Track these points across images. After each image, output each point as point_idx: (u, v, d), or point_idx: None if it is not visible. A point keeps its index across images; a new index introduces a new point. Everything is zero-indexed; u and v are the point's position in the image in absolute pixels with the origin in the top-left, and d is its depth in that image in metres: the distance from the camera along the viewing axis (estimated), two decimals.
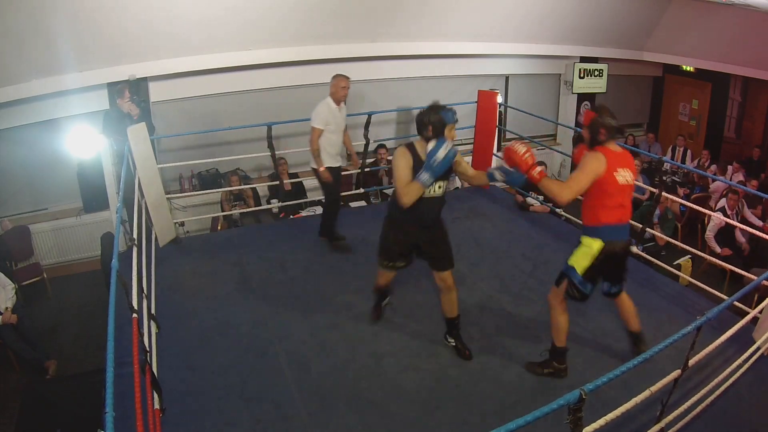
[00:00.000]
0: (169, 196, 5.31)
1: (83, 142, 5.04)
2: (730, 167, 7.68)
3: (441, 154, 2.86)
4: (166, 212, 4.94)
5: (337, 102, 4.44)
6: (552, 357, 3.16)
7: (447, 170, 2.99)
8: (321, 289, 4.14)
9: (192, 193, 6.14)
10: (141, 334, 2.60)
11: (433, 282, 4.05)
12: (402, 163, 2.97)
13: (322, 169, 4.45)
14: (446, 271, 3.24)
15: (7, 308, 4.58)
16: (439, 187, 3.06)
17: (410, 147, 3.02)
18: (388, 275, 3.44)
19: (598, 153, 2.82)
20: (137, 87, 5.70)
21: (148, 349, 2.84)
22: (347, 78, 4.44)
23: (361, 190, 5.82)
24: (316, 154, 4.43)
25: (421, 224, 3.14)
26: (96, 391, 3.51)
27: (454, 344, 3.39)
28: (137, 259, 3.16)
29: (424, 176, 2.89)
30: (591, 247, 2.87)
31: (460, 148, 3.99)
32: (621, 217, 2.90)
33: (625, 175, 2.84)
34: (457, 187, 6.48)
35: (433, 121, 2.92)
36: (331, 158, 4.52)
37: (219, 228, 6.00)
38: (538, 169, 2.81)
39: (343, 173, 4.97)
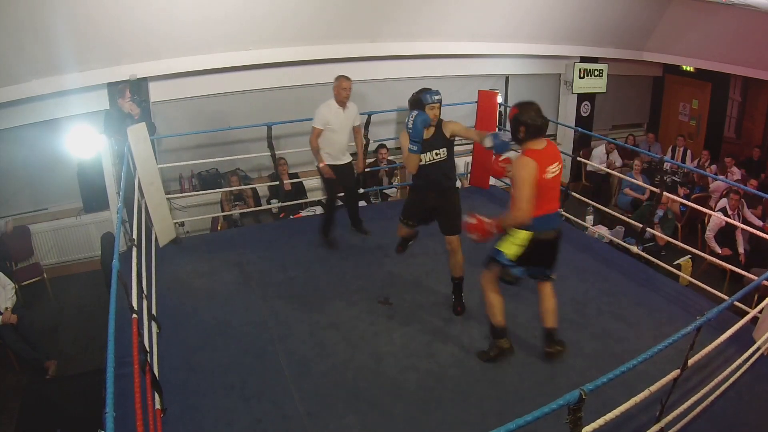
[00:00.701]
0: (169, 196, 5.32)
1: (83, 142, 5.03)
2: (727, 160, 7.63)
3: (410, 122, 3.36)
4: (166, 212, 4.95)
5: (340, 103, 4.48)
6: (494, 337, 3.25)
7: (439, 138, 3.47)
8: (321, 289, 4.14)
9: (192, 193, 6.13)
10: (141, 335, 2.60)
11: (433, 282, 4.11)
12: (403, 141, 3.53)
13: (322, 164, 4.56)
14: (452, 236, 3.64)
15: (7, 308, 4.58)
16: (437, 154, 3.50)
17: None
18: (404, 230, 3.85)
19: (527, 159, 2.83)
20: (138, 87, 5.71)
21: (148, 349, 2.85)
22: (348, 79, 4.49)
23: (361, 191, 5.81)
24: (315, 152, 4.55)
25: (429, 188, 3.60)
26: (96, 391, 3.51)
27: (453, 300, 3.82)
28: (137, 259, 3.16)
29: (410, 145, 3.42)
30: (518, 237, 2.95)
31: (460, 147, 4.02)
32: (550, 208, 2.96)
33: (553, 170, 2.90)
34: (457, 188, 6.46)
35: (414, 101, 3.47)
36: (331, 158, 4.60)
37: (219, 228, 6.01)
38: (493, 224, 2.97)
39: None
